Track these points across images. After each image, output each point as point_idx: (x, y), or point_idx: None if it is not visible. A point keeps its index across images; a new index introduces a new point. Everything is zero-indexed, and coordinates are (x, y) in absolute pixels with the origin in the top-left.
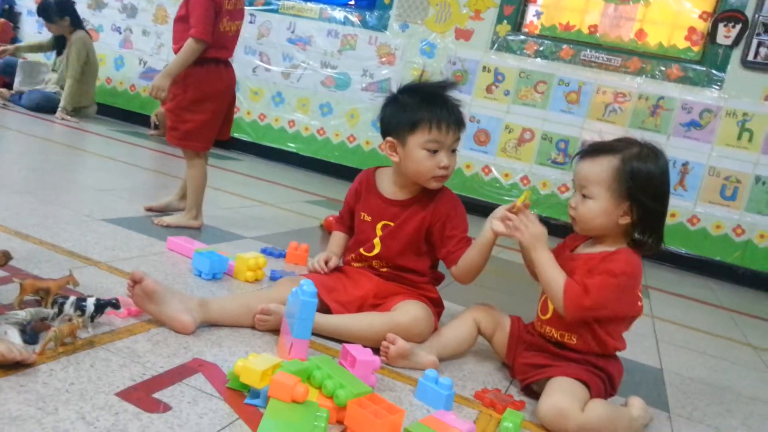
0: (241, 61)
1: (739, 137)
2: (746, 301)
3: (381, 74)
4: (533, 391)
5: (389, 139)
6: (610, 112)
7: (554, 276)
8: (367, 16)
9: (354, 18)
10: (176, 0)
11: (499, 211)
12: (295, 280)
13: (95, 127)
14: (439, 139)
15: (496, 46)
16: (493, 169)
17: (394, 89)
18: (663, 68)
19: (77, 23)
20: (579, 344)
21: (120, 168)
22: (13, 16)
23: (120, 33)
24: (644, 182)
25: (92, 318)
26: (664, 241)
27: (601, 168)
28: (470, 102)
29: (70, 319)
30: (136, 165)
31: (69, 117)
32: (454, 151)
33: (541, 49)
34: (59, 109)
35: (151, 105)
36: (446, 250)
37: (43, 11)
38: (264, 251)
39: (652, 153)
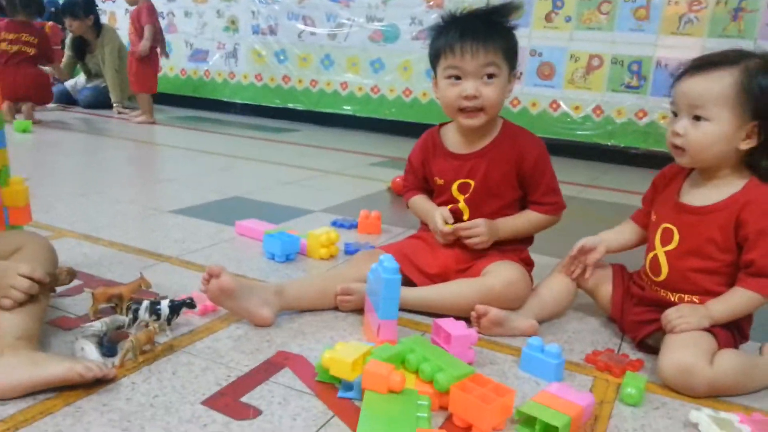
0: (285, 27)
1: None
2: None
3: (430, 20)
4: (649, 346)
5: (433, 74)
6: (685, 24)
7: (742, 302)
8: None
9: None
10: None
11: None
12: (372, 254)
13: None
14: (457, 64)
15: None
16: (561, 103)
17: None
18: None
19: (98, 25)
20: (703, 301)
21: (180, 155)
22: (60, 18)
23: (163, 18)
24: None
25: (169, 321)
26: None
27: (721, 84)
28: (529, 34)
29: (146, 325)
30: (195, 150)
31: (126, 110)
32: (491, 77)
33: None
34: (114, 104)
35: (204, 88)
36: (533, 198)
37: (69, 7)
38: (335, 224)
39: None
